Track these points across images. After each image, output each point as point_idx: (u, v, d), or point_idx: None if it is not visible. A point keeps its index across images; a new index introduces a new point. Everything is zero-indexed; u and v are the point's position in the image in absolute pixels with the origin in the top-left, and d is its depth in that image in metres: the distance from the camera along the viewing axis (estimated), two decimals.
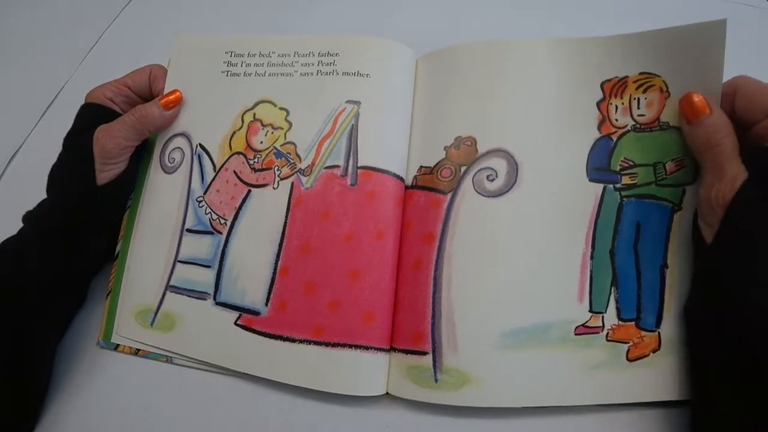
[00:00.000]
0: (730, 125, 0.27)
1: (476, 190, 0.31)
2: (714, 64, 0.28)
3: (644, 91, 0.30)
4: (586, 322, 0.29)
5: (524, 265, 0.30)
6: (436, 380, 0.29)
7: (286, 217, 0.33)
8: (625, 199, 0.30)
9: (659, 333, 0.28)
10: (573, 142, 0.31)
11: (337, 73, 0.35)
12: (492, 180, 0.31)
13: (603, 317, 0.29)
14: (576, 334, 0.29)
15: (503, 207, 0.31)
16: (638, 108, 0.30)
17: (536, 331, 0.29)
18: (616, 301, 0.29)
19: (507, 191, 0.31)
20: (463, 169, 0.32)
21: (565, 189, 0.31)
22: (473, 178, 0.32)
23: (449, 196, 0.32)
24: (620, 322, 0.29)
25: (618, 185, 0.30)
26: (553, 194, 0.31)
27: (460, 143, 0.33)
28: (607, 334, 0.29)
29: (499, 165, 0.32)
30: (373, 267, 0.31)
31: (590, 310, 0.29)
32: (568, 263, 0.30)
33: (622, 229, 0.30)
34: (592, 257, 0.30)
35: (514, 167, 0.31)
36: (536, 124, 0.32)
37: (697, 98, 0.27)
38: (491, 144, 0.32)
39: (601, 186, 0.31)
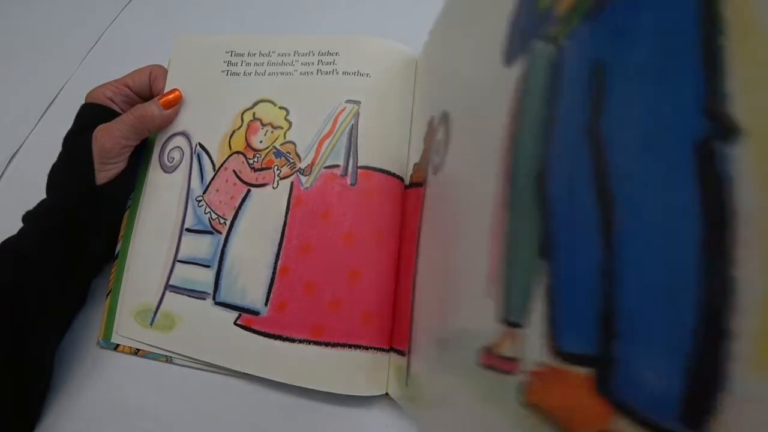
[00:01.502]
0: None
1: (432, 173, 0.27)
2: None
3: None
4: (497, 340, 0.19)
5: (456, 257, 0.23)
6: (406, 384, 0.28)
7: (286, 216, 0.33)
8: (564, 41, 0.15)
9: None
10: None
11: (337, 73, 0.35)
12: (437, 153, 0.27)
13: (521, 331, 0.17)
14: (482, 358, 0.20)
15: (438, 186, 0.26)
16: None
17: (457, 337, 0.22)
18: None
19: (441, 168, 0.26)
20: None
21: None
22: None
23: (425, 186, 0.30)
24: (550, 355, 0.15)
25: (551, 28, 0.16)
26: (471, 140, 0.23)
27: None
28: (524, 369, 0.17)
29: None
30: (372, 267, 0.31)
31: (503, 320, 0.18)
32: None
33: (559, 103, 0.15)
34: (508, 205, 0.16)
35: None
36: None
37: None
38: None
39: (523, 60, 0.17)
